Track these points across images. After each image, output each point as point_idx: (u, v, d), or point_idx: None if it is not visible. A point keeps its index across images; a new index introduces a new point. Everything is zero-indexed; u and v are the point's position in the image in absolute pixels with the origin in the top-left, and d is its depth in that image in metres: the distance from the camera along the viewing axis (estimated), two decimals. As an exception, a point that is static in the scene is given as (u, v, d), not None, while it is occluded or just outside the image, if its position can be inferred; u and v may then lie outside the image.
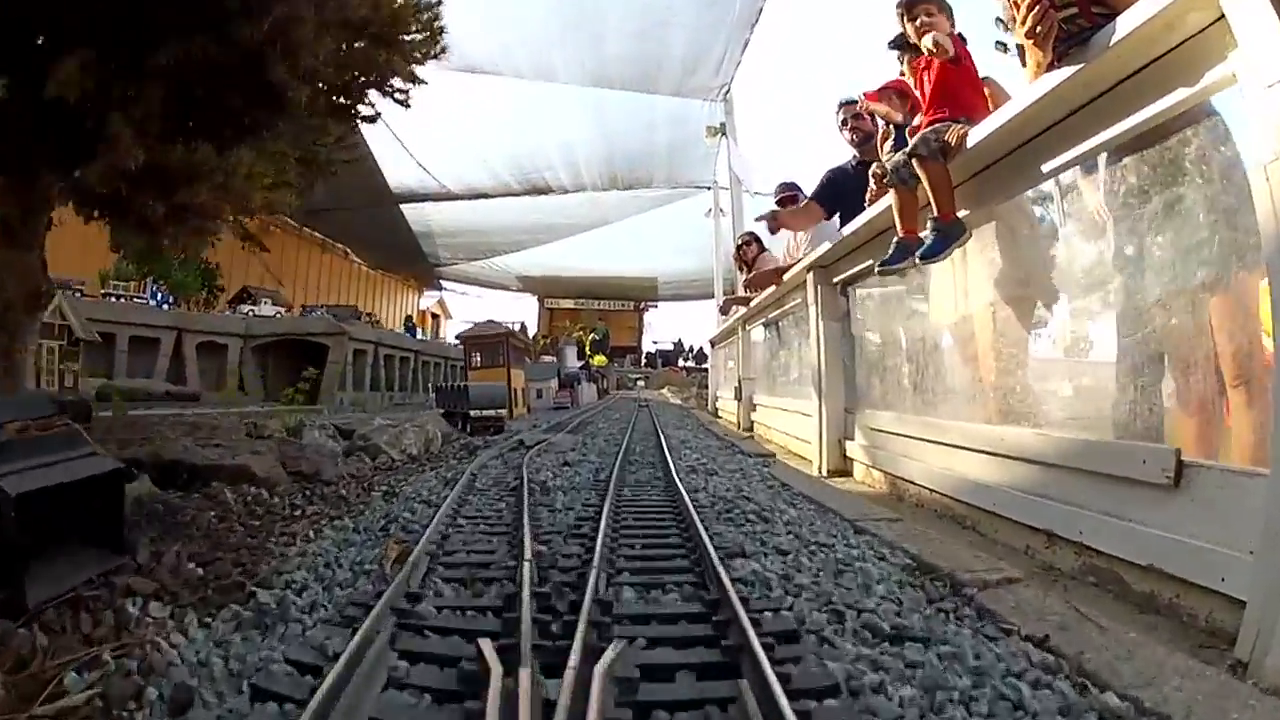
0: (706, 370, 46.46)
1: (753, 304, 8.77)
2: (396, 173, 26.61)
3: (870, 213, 4.70)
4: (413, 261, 41.60)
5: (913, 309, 5.05)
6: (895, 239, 3.92)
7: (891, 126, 3.80)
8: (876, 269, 3.98)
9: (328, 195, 29.96)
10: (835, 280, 5.92)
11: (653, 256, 41.12)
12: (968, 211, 3.51)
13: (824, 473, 5.70)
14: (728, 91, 15.29)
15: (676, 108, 17.12)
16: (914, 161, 3.42)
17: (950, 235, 3.39)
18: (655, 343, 64.29)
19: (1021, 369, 3.78)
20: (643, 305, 63.06)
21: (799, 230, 7.34)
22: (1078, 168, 2.99)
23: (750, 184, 14.42)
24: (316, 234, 38.08)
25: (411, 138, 20.13)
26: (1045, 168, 3.01)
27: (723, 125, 15.03)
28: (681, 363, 58.36)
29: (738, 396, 11.19)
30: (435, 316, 59.96)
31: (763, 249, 9.57)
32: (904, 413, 4.80)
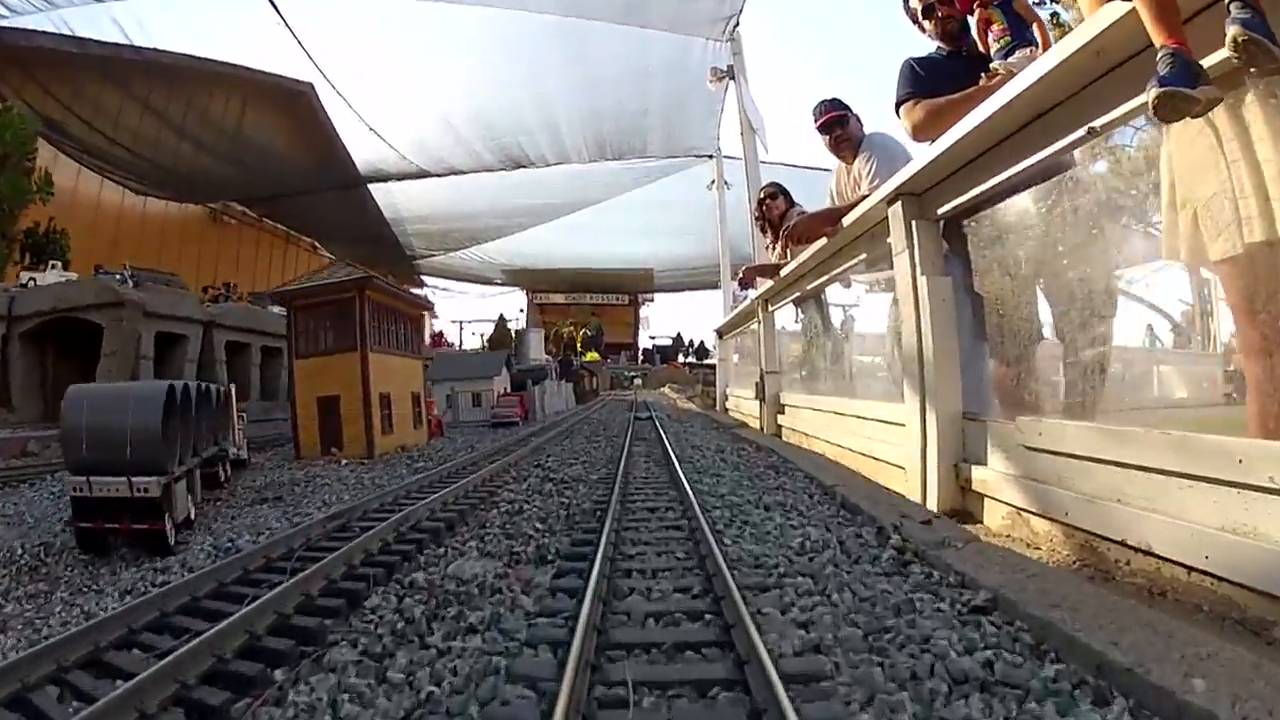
0: (708, 366, 44.52)
1: (784, 272, 6.73)
2: (358, 150, 24.52)
3: (1009, 91, 2.78)
4: (387, 254, 39.42)
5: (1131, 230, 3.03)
6: (1167, 51, 1.98)
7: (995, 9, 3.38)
8: (1154, 98, 1.96)
9: (281, 177, 27.99)
10: (939, 213, 3.89)
11: (648, 242, 39.02)
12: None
13: (931, 510, 3.70)
14: (736, 25, 13.12)
15: (673, 50, 14.91)
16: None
17: (1191, 71, 1.92)
18: (653, 338, 62.37)
19: None
20: (639, 298, 61.02)
21: (814, 239, 5.31)
22: None
23: (761, 133, 12.41)
24: (280, 226, 35.98)
25: (363, 98, 17.99)
26: None
27: (730, 68, 12.95)
28: (681, 358, 56.47)
29: (759, 395, 9.17)
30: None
31: (792, 203, 7.54)
32: (1117, 423, 2.78)
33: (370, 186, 27.69)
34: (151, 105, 25.88)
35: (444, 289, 54.51)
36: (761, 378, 8.99)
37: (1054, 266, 3.68)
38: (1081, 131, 2.88)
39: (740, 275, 7.47)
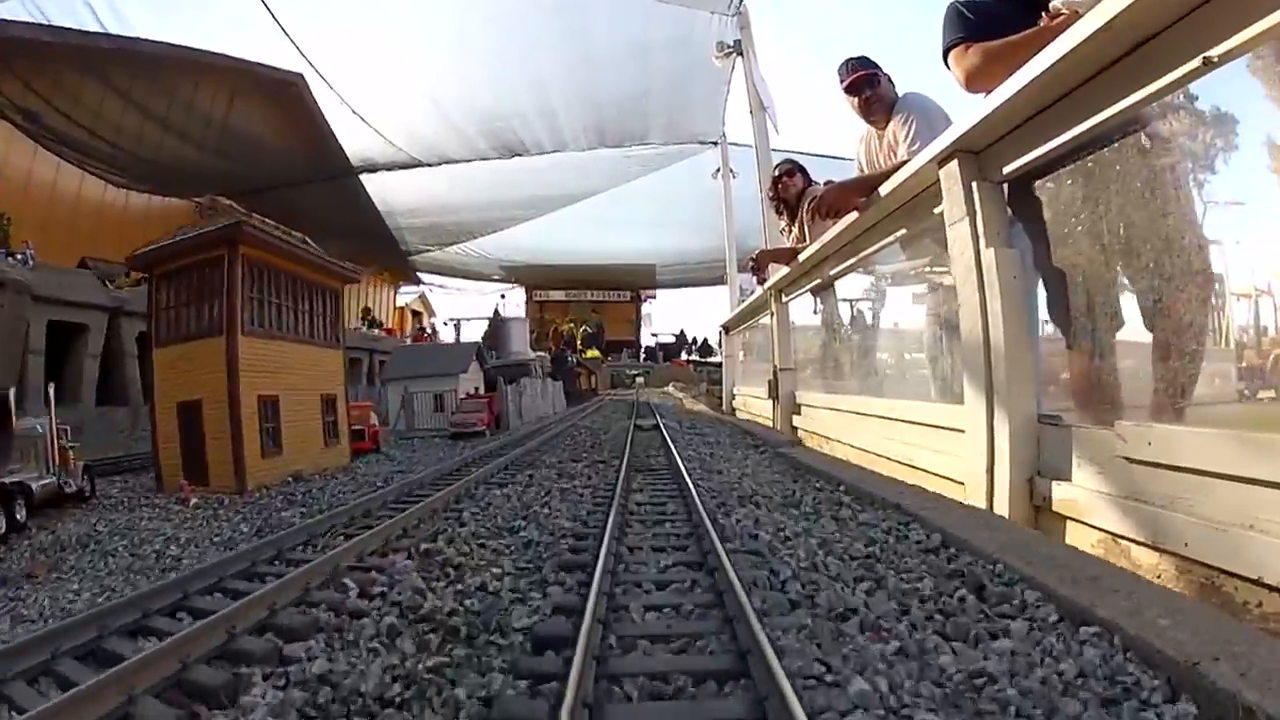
0: (713, 364, 43.88)
1: (804, 256, 6.08)
2: (349, 141, 23.84)
3: (1100, 14, 2.17)
4: (382, 250, 38.75)
5: None
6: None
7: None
8: None
9: (269, 169, 27.27)
10: (1004, 173, 3.25)
11: (650, 236, 38.23)
12: None
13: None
14: (744, -4, 12.34)
15: (676, 24, 14.10)
16: None
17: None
18: (655, 335, 61.65)
19: None
20: (640, 295, 60.30)
21: (845, 211, 4.64)
22: None
23: (772, 113, 11.66)
24: (269, 221, 35.29)
25: (347, 80, 17.24)
26: None
27: (737, 43, 12.22)
28: (685, 356, 55.80)
29: (773, 394, 8.53)
30: (416, 314, 57.33)
31: (810, 180, 6.90)
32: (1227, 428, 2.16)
33: (364, 180, 26.98)
34: (134, 98, 25.26)
35: (441, 286, 54.02)
36: (775, 375, 8.35)
37: (1153, 236, 3.03)
38: (1195, 63, 2.28)
39: (753, 261, 6.83)
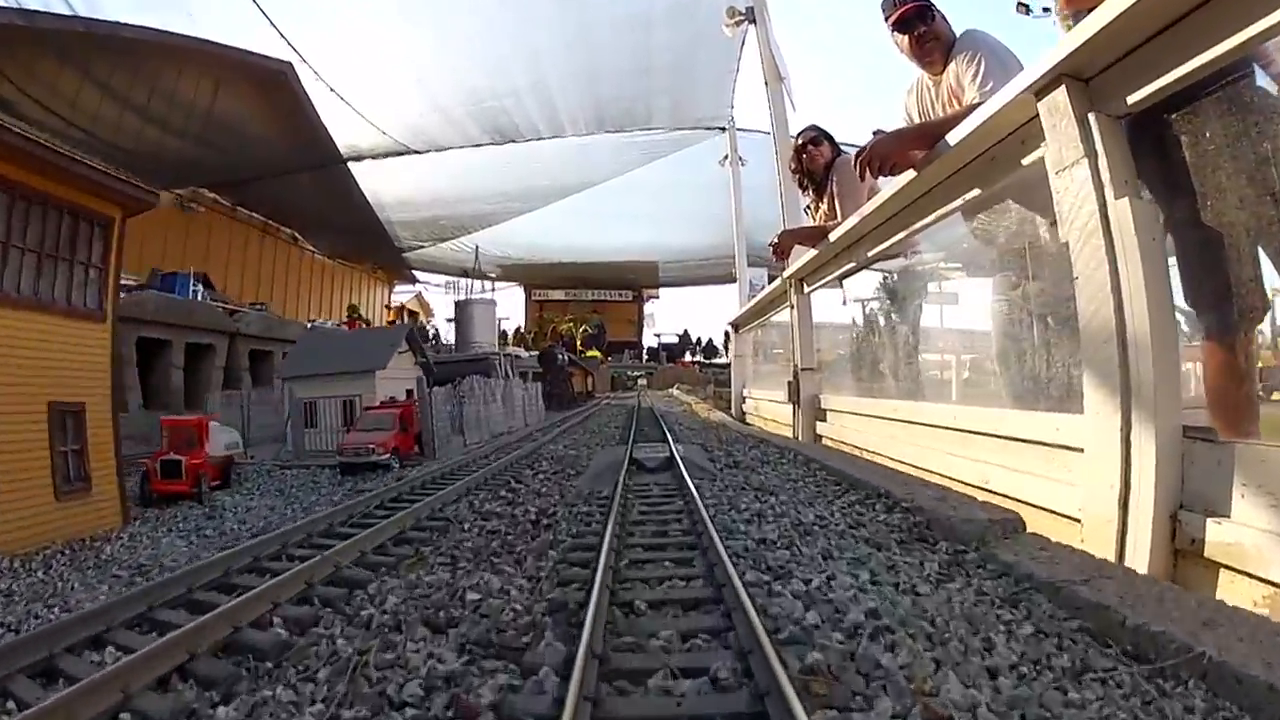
0: (719, 365, 42.97)
1: (836, 235, 5.26)
2: (337, 131, 23.08)
3: None
4: (374, 247, 38.02)
5: None
6: None
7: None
8: None
9: (253, 158, 26.50)
10: (1129, 104, 2.47)
11: (653, 231, 37.34)
12: None
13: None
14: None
15: (679, -9, 13.31)
16: None
17: None
18: (658, 335, 60.79)
19: None
20: (643, 294, 59.49)
21: (902, 167, 3.81)
22: None
23: (788, 86, 10.81)
24: (255, 216, 34.53)
25: (332, 64, 16.38)
26: None
27: (750, 9, 11.35)
28: (689, 357, 54.97)
29: (792, 397, 7.71)
30: (413, 314, 56.68)
31: (839, 150, 6.12)
32: None
33: (356, 174, 26.19)
34: (113, 86, 24.60)
35: (438, 285, 53.28)
36: (795, 376, 7.53)
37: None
38: None
39: (775, 242, 6.03)
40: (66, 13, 21.37)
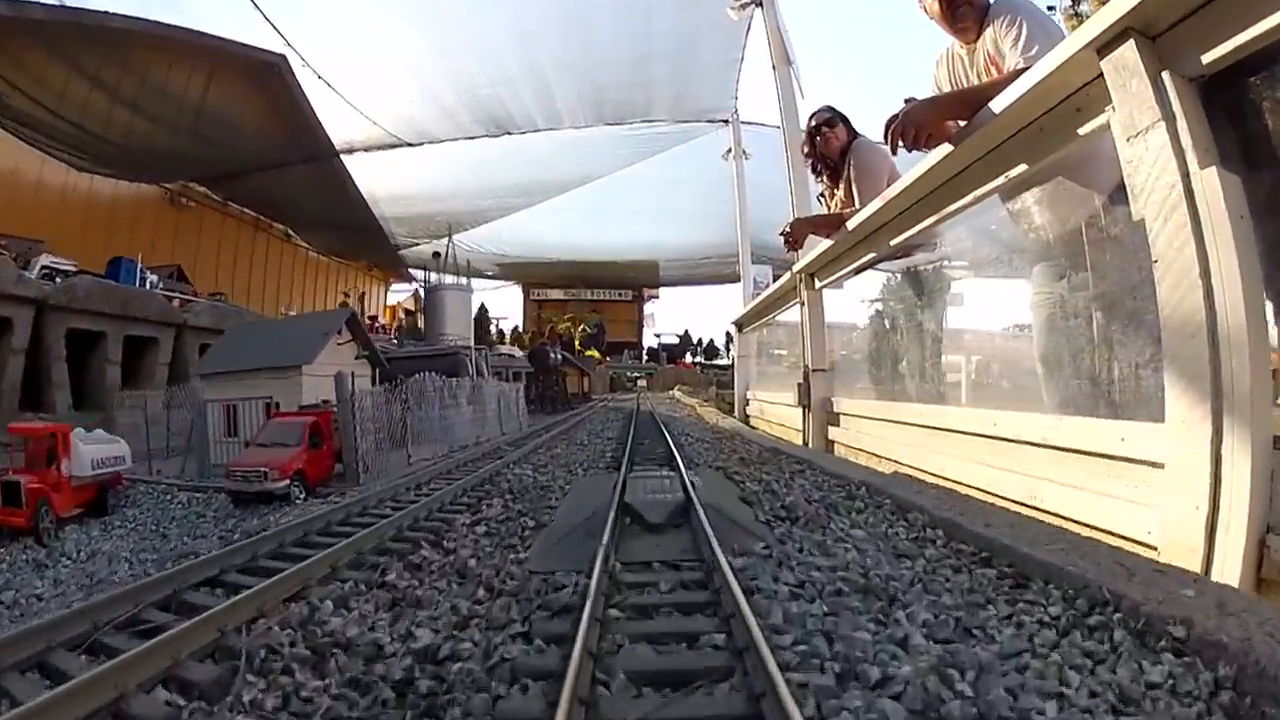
0: (720, 366, 42.62)
1: (855, 223, 4.92)
2: (328, 120, 22.72)
3: None
4: (370, 244, 37.67)
5: None
6: None
7: None
8: None
9: (243, 152, 26.16)
10: (1205, 64, 2.13)
11: (653, 228, 36.97)
12: None
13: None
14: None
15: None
16: None
17: None
18: (658, 336, 60.49)
19: None
20: (643, 294, 59.19)
21: (937, 140, 3.41)
22: None
23: (796, 71, 10.48)
24: (247, 211, 34.17)
25: (323, 54, 16.00)
26: None
27: (757, -9, 11.06)
28: (690, 358, 54.68)
29: (802, 400, 7.36)
30: (410, 313, 56.41)
31: (855, 133, 5.77)
32: None
33: (351, 171, 25.82)
34: (102, 78, 24.29)
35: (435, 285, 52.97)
36: (805, 378, 7.18)
37: None
38: None
39: (787, 231, 5.69)
40: (54, 2, 21.08)
